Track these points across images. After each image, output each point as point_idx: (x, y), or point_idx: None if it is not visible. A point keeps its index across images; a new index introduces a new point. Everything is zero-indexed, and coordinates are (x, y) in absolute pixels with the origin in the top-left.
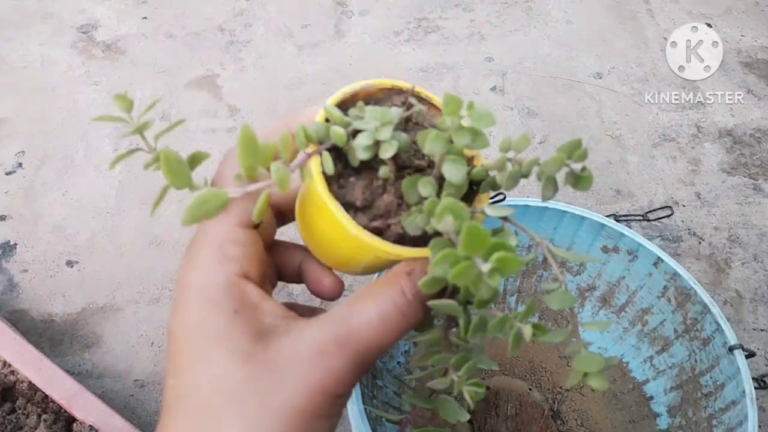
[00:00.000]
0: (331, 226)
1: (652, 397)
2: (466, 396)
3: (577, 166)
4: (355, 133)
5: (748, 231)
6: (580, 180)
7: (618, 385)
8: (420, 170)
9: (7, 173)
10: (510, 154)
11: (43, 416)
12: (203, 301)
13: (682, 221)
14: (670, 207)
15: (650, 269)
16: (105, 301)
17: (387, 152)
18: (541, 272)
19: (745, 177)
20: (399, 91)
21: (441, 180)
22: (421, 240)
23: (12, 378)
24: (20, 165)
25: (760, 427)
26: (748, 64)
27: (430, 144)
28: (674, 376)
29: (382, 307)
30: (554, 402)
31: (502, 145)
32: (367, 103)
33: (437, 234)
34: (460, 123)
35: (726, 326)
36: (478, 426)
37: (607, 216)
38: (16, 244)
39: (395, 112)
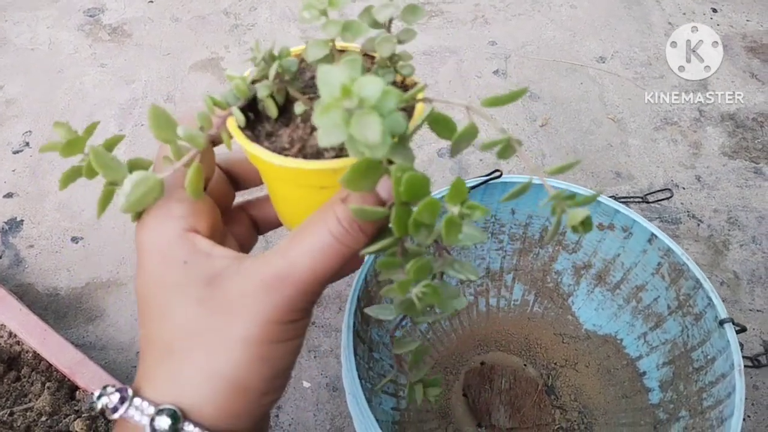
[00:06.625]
0: (270, 175)
1: (644, 373)
2: (415, 299)
3: None
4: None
5: (748, 214)
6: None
7: (612, 361)
8: None
9: (15, 152)
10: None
11: (47, 384)
12: (156, 256)
13: (682, 203)
14: (669, 189)
15: (645, 246)
16: (108, 276)
17: (264, 91)
18: (537, 250)
19: (746, 161)
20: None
21: None
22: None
23: (17, 348)
24: (27, 144)
25: (752, 404)
26: (752, 49)
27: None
28: (667, 351)
29: (320, 238)
30: (548, 377)
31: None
32: None
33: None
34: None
35: (717, 301)
36: (472, 399)
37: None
38: (22, 220)
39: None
